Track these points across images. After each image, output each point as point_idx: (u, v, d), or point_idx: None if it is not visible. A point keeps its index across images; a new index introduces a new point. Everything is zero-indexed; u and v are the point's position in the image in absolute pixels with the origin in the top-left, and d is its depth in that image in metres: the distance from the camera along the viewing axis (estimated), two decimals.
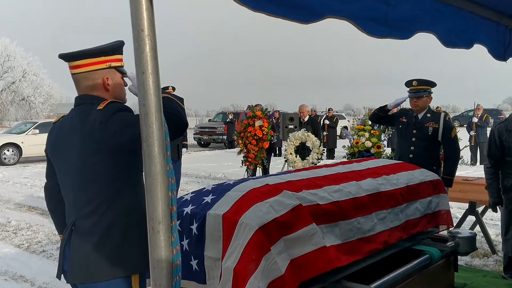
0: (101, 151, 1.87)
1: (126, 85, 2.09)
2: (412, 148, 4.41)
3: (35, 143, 15.40)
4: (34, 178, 11.98)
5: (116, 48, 2.04)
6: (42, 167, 13.51)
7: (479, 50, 3.01)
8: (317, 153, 7.39)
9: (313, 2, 2.02)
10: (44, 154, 2.17)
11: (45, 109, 41.93)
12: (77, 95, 2.06)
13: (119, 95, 2.07)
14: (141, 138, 1.19)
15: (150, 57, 1.13)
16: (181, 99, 1.98)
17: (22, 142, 16.13)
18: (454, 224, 4.37)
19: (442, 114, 4.47)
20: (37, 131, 16.22)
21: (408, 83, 4.50)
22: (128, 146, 1.84)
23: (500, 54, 3.06)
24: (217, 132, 21.70)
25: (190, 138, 20.54)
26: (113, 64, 2.02)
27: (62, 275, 2.05)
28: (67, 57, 2.01)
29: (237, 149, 9.07)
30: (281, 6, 1.90)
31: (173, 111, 1.81)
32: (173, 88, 6.51)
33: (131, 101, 2.13)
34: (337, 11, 2.12)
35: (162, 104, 1.72)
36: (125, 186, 1.93)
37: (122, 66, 2.07)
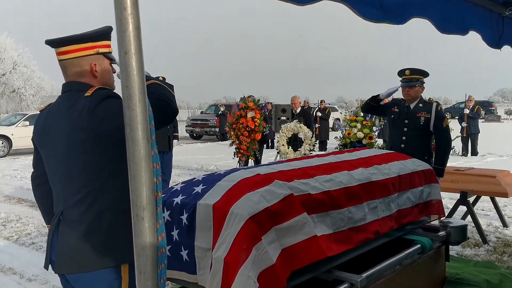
0: (89, 139, 1.83)
1: (114, 72, 2.05)
2: (403, 138, 4.40)
3: (25, 135, 15.25)
4: (24, 170, 11.88)
5: (104, 33, 1.99)
6: (32, 159, 13.33)
7: (471, 43, 2.99)
8: (309, 144, 7.38)
9: None
10: None
11: (36, 101, 41.49)
12: (64, 82, 2.01)
13: (108, 81, 2.02)
14: (124, 122, 1.15)
15: (134, 36, 1.08)
16: (171, 86, 1.94)
17: (12, 134, 16.00)
18: (446, 214, 4.37)
19: (434, 104, 4.47)
20: (27, 123, 16.10)
21: (401, 73, 4.48)
22: (116, 134, 1.80)
23: (494, 42, 3.04)
24: (209, 124, 21.63)
25: (182, 130, 20.48)
26: (101, 50, 1.97)
27: (50, 265, 2.01)
28: (54, 43, 1.96)
29: (229, 141, 9.03)
30: None
31: (163, 97, 1.77)
32: (164, 78, 6.44)
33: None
34: None
35: (150, 88, 1.67)
36: (114, 175, 1.89)
37: (111, 52, 2.02)
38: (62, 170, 1.91)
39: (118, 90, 2.07)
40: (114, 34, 1.12)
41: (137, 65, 1.09)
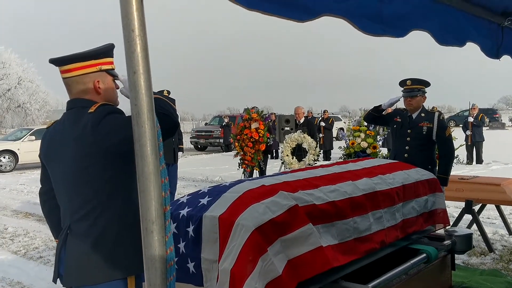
0: (93, 154, 1.87)
1: (117, 88, 2.09)
2: (407, 147, 4.42)
3: (31, 150, 15.35)
4: (31, 184, 11.95)
5: (106, 51, 2.04)
6: (38, 174, 13.32)
7: (474, 51, 3.00)
8: (314, 154, 7.40)
9: (309, 0, 2.00)
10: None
11: (41, 115, 41.86)
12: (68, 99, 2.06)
13: (111, 98, 2.06)
14: (133, 138, 1.19)
15: (141, 57, 1.13)
16: (173, 100, 1.98)
17: (18, 149, 16.10)
18: (451, 223, 4.37)
19: (436, 114, 4.49)
20: (33, 137, 16.21)
21: (402, 83, 4.52)
22: (120, 148, 1.84)
23: (492, 52, 3.06)
24: (213, 135, 21.72)
25: (187, 142, 20.55)
26: (104, 67, 2.01)
27: (58, 279, 2.04)
28: (57, 61, 2.00)
29: (233, 152, 9.07)
30: (276, 4, 1.87)
31: (164, 111, 1.80)
32: (168, 92, 6.50)
33: (126, 105, 2.12)
34: (333, 9, 2.11)
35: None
36: (118, 188, 1.93)
37: (113, 69, 2.06)
38: (68, 185, 1.95)
39: (121, 106, 2.11)
40: (122, 54, 1.17)
41: (145, 84, 1.14)
